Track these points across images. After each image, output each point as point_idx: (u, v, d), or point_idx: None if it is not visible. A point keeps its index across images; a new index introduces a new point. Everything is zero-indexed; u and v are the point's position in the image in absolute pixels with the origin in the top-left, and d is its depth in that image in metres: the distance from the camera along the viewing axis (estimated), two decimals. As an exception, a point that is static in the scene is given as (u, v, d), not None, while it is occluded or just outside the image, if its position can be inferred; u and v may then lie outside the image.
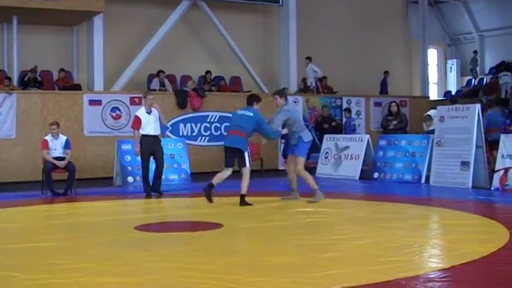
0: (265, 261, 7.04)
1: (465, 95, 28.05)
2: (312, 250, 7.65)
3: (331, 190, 15.00)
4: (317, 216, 10.79)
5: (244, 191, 12.31)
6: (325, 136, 19.79)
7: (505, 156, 14.50)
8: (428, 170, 16.30)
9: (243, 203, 12.22)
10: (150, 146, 14.25)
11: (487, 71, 31.59)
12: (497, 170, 14.56)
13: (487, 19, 31.61)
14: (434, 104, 21.85)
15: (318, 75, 24.21)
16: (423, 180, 16.32)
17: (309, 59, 24.27)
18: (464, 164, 15.23)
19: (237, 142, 12.32)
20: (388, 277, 6.14)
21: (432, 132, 17.02)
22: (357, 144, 18.48)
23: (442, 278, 6.20)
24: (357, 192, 15.42)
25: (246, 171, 12.43)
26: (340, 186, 15.98)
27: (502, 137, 14.88)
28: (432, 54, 32.77)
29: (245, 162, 12.41)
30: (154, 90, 21.04)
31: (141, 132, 14.20)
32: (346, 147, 18.67)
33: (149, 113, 14.30)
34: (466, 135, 15.29)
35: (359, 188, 16.43)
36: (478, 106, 15.71)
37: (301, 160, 12.73)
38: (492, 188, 14.45)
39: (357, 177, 17.80)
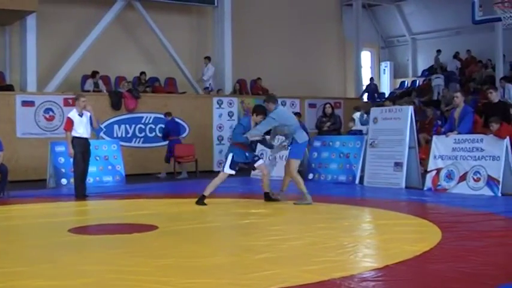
0: (200, 263, 7.02)
1: (398, 97, 28.41)
2: (247, 251, 7.65)
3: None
4: (252, 217, 10.80)
5: (206, 191, 12.48)
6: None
7: (437, 156, 14.73)
8: (362, 170, 16.46)
9: (199, 202, 12.36)
10: (82, 148, 14.20)
11: (419, 74, 32.07)
12: (430, 171, 14.78)
13: (420, 22, 32.12)
14: (368, 106, 22.07)
15: (212, 74, 23.89)
16: (357, 181, 16.47)
17: (208, 58, 24.09)
18: (398, 164, 15.42)
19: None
20: (323, 277, 6.17)
21: (354, 132, 17.26)
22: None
23: (376, 277, 6.26)
24: (291, 193, 15.47)
25: (220, 175, 12.60)
26: (275, 187, 16.00)
27: (434, 138, 15.11)
28: (366, 56, 33.14)
29: (223, 167, 12.66)
30: (89, 91, 20.84)
31: (73, 134, 14.08)
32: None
33: (81, 115, 14.20)
34: (399, 136, 15.49)
35: (294, 189, 16.47)
36: (410, 108, 15.93)
37: (293, 162, 12.69)
38: (425, 188, 14.67)
39: (292, 178, 17.85)
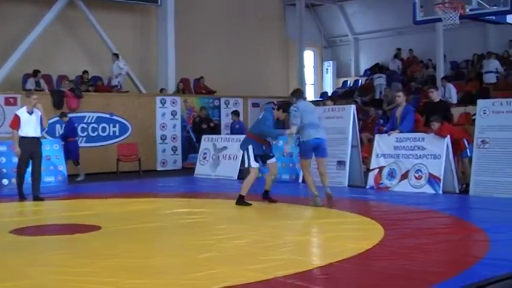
0: (144, 263, 6.99)
1: (341, 96, 28.62)
2: (191, 250, 7.64)
3: (209, 190, 15.09)
4: (196, 216, 10.78)
5: (243, 191, 12.21)
6: (203, 136, 19.77)
7: (379, 155, 14.88)
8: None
9: (240, 202, 12.14)
10: (29, 148, 13.57)
11: (362, 73, 32.35)
12: (372, 169, 14.92)
13: (362, 22, 32.40)
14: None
15: (124, 72, 23.60)
16: (300, 180, 16.52)
17: (116, 55, 23.50)
18: (340, 163, 15.53)
19: (241, 143, 12.53)
20: (267, 275, 6.19)
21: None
22: (235, 145, 18.51)
23: (320, 275, 6.31)
24: (235, 192, 15.46)
25: (251, 171, 12.29)
26: (219, 187, 16.02)
27: (377, 137, 15.25)
28: (309, 56, 33.29)
29: (248, 162, 12.26)
30: (30, 90, 20.54)
31: (20, 133, 13.53)
32: (224, 148, 18.72)
33: (30, 113, 13.62)
34: (341, 135, 15.59)
35: (237, 188, 16.40)
36: (353, 107, 16.06)
37: (302, 162, 12.41)
38: (367, 187, 14.81)
39: (235, 177, 17.85)
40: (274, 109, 12.45)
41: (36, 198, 13.58)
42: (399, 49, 30.00)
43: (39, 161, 13.85)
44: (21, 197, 13.75)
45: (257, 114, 23.32)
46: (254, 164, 12.15)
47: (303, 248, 7.82)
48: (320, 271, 6.46)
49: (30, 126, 13.55)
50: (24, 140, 13.52)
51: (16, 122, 13.55)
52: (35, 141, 13.72)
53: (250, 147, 12.09)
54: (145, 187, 16.19)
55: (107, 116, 21.20)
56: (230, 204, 12.25)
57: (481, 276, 5.72)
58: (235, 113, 21.46)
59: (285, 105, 12.27)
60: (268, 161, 12.46)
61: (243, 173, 17.95)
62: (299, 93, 12.44)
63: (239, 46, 28.13)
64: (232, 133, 20.60)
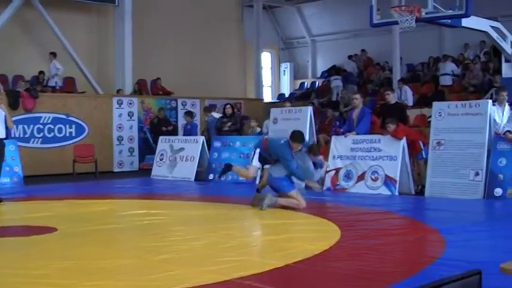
0: (100, 264, 6.94)
1: (298, 98, 28.70)
2: (148, 252, 7.61)
3: (166, 192, 15.04)
4: (153, 218, 10.72)
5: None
6: (160, 138, 19.69)
7: (336, 157, 14.96)
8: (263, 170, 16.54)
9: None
10: None
11: (319, 75, 32.48)
12: (329, 171, 14.99)
13: (319, 24, 32.52)
14: (268, 106, 22.25)
15: (60, 72, 23.42)
16: (257, 181, 16.52)
17: (53, 54, 23.16)
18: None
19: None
20: (224, 277, 6.19)
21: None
22: (192, 146, 18.52)
23: (277, 276, 6.33)
24: (192, 193, 15.47)
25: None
26: (176, 188, 15.98)
27: (333, 138, 15.34)
28: (266, 58, 33.35)
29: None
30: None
31: None
32: (181, 149, 18.67)
33: None
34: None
35: (194, 189, 16.49)
36: (310, 108, 16.13)
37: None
38: (324, 188, 14.87)
39: (193, 178, 17.83)
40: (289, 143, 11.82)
41: None
42: (363, 50, 30.21)
43: (1, 163, 13.38)
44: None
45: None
46: (255, 162, 12.26)
47: (259, 249, 7.84)
48: (277, 272, 6.48)
49: None
50: None
51: None
52: (1, 142, 13.23)
53: (258, 151, 12.16)
54: (101, 188, 16.08)
55: (63, 116, 21.05)
56: (188, 206, 12.24)
57: (437, 276, 5.76)
58: (188, 113, 21.35)
59: (300, 137, 11.90)
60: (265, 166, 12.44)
61: (199, 175, 17.98)
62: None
63: (196, 47, 28.09)
64: (184, 134, 20.53)
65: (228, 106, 19.38)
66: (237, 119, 19.26)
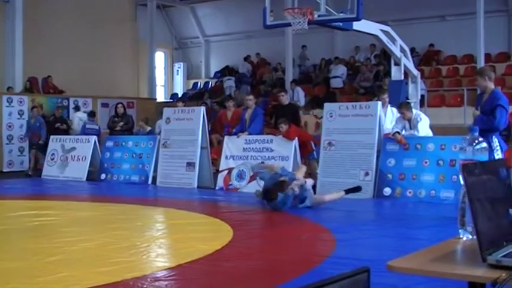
0: (-13, 266, 6.78)
1: (191, 98, 28.69)
2: (37, 254, 7.45)
3: (57, 192, 14.78)
4: (43, 219, 10.51)
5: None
6: (51, 137, 19.31)
7: (228, 157, 15.02)
8: (155, 171, 16.47)
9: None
10: None
11: (212, 75, 32.55)
12: (222, 170, 15.03)
13: (213, 25, 32.60)
14: (162, 106, 22.15)
15: None
16: (150, 181, 16.45)
17: None
18: (190, 164, 15.56)
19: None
20: (116, 278, 6.13)
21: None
22: (83, 145, 18.26)
23: (169, 276, 6.30)
24: (84, 193, 15.27)
25: None
26: (67, 188, 15.73)
27: (226, 138, 15.38)
28: (160, 57, 33.23)
29: None
30: None
31: None
32: (73, 148, 18.38)
33: None
34: (191, 136, 15.64)
35: (86, 189, 16.27)
36: (203, 109, 16.13)
37: None
38: (217, 188, 14.90)
39: (84, 178, 17.58)
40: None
41: None
42: (258, 53, 30.40)
43: None
44: None
45: (106, 114, 23.11)
46: None
47: (152, 249, 7.79)
48: (169, 272, 6.46)
49: None
50: None
51: None
52: None
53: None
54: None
55: (-51, 114, 20.40)
56: (79, 206, 12.06)
57: (327, 274, 5.82)
58: (91, 113, 21.15)
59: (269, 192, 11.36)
60: None
61: (91, 174, 17.74)
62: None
63: (89, 45, 27.69)
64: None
65: (120, 105, 19.21)
66: (128, 119, 19.11)
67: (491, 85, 10.16)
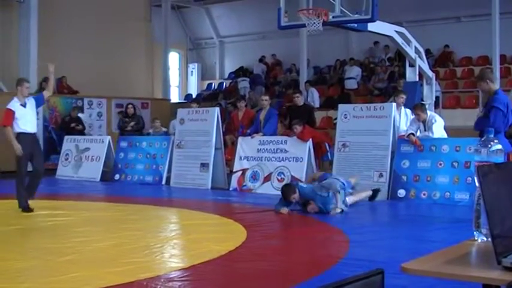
0: (3, 266, 6.79)
1: (205, 99, 28.68)
2: (51, 254, 7.48)
3: (71, 192, 14.82)
4: (57, 219, 10.54)
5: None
6: (66, 137, 19.40)
7: (242, 157, 15.01)
8: (169, 171, 16.49)
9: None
10: (29, 147, 11.46)
11: (226, 76, 32.54)
12: (236, 171, 15.03)
13: (228, 26, 32.58)
14: (176, 107, 22.15)
15: None
16: (164, 182, 16.47)
17: None
18: (204, 165, 15.57)
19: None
20: (130, 278, 6.13)
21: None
22: (97, 146, 18.32)
23: (183, 277, 6.30)
24: (98, 194, 15.30)
25: None
26: (81, 188, 15.78)
27: (240, 139, 15.38)
28: (174, 58, 33.23)
29: None
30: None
31: (17, 129, 11.47)
32: (87, 149, 18.44)
33: (24, 105, 11.63)
34: (205, 137, 15.65)
35: (100, 189, 16.31)
36: (217, 109, 16.14)
37: None
38: (231, 189, 14.90)
39: (98, 178, 17.63)
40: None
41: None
42: (273, 54, 30.43)
43: (40, 162, 11.94)
44: (26, 208, 11.52)
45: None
46: None
47: (165, 250, 7.79)
48: (182, 273, 6.45)
49: (28, 121, 11.62)
50: (24, 137, 11.50)
51: (9, 118, 11.54)
52: (34, 138, 11.89)
53: None
54: (4, 188, 15.70)
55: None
56: (93, 206, 12.09)
57: (341, 275, 5.84)
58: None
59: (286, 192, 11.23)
60: None
61: (105, 175, 17.77)
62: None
63: (104, 46, 27.72)
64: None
65: (130, 106, 19.28)
66: (139, 119, 19.16)
67: (494, 86, 10.24)
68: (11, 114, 11.51)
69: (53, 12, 25.53)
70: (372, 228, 9.39)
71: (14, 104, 11.63)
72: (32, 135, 11.67)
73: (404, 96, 13.98)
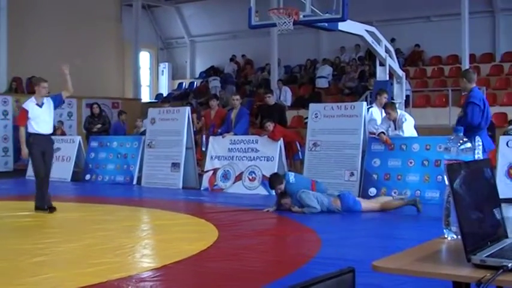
0: (-29, 267, 6.74)
1: (176, 98, 28.61)
2: (22, 255, 7.41)
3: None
4: (27, 220, 10.47)
5: None
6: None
7: (213, 157, 15.00)
8: (140, 171, 16.44)
9: None
10: (43, 148, 11.33)
11: (197, 75, 32.49)
12: (207, 171, 15.02)
13: (198, 25, 32.53)
14: (146, 106, 22.08)
15: None
16: (135, 182, 16.43)
17: None
18: (175, 165, 15.55)
19: None
20: (101, 279, 6.11)
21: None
22: (68, 146, 18.20)
23: (154, 277, 6.29)
24: (68, 194, 15.20)
25: None
26: (52, 189, 15.59)
27: (211, 139, 15.36)
28: (145, 57, 33.14)
29: None
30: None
31: (31, 130, 11.27)
32: (57, 149, 18.27)
33: (41, 105, 11.50)
34: (176, 137, 15.62)
35: (71, 190, 16.22)
36: (188, 109, 16.11)
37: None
38: (202, 189, 14.89)
39: (69, 179, 17.53)
40: None
41: (50, 207, 11.48)
42: (243, 55, 30.44)
43: (50, 164, 11.71)
44: (50, 208, 11.43)
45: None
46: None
47: (137, 250, 7.77)
48: (154, 273, 6.44)
49: (42, 121, 11.41)
50: (38, 138, 11.29)
51: (23, 118, 11.42)
52: (49, 139, 11.66)
53: None
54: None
55: None
56: (64, 207, 11.99)
57: (312, 274, 5.82)
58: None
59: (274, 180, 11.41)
60: None
61: (76, 175, 17.67)
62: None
63: (74, 46, 27.53)
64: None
65: (95, 106, 19.24)
66: (105, 119, 19.09)
67: (470, 85, 10.33)
68: (24, 114, 11.36)
69: (23, 12, 25.37)
70: (343, 227, 9.44)
71: (29, 104, 11.47)
72: (46, 137, 11.45)
73: (386, 95, 14.03)
